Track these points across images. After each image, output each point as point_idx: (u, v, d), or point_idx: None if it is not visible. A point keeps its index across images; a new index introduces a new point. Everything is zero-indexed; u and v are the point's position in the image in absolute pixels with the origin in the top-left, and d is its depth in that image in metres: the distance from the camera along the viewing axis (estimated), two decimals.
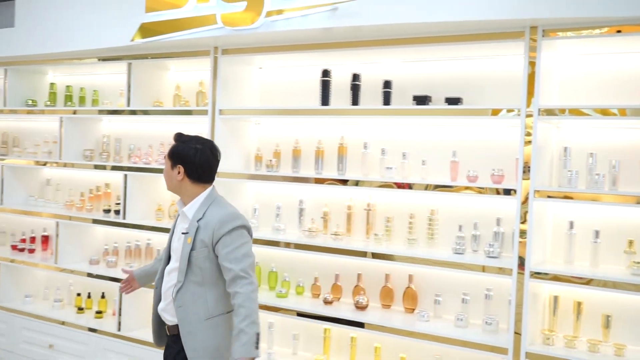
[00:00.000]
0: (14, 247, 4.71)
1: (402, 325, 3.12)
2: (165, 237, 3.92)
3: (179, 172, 2.63)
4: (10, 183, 4.74)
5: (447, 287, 3.31)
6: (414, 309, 3.35)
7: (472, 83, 3.26)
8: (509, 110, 2.87)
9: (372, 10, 2.92)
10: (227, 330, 2.60)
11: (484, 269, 2.95)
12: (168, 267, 2.67)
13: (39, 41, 4.31)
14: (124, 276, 3.17)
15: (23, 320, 4.44)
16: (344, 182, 3.31)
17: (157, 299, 2.70)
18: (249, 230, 2.63)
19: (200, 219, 2.58)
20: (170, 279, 2.63)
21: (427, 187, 3.09)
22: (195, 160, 2.63)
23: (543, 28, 2.76)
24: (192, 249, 2.56)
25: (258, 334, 2.49)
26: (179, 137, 2.72)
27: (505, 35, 2.86)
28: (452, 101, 3.11)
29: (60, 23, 4.19)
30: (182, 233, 2.61)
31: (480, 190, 2.95)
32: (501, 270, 2.88)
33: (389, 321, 3.18)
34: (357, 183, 3.28)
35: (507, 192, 2.89)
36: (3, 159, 4.73)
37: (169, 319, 2.64)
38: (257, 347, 2.47)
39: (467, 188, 3.00)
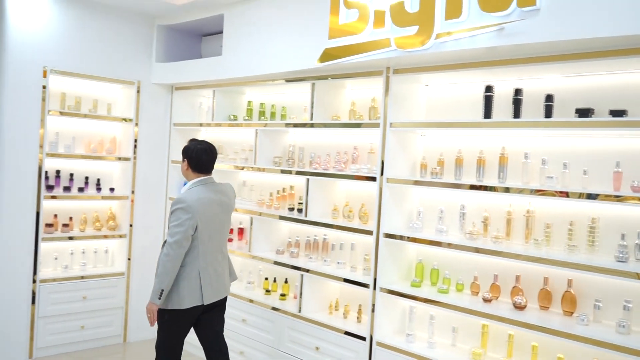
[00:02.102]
0: None
1: (560, 327, 3.01)
2: (339, 233, 4.16)
3: (184, 164, 3.55)
4: None
5: (607, 294, 3.13)
6: (572, 312, 3.21)
7: (637, 95, 3.05)
8: None
9: (536, 28, 2.85)
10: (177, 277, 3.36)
11: None
12: None
13: (240, 67, 4.73)
14: (305, 265, 3.83)
15: None
16: (505, 189, 3.27)
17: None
18: (185, 210, 3.32)
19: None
20: None
21: (588, 196, 2.95)
22: (192, 155, 3.52)
23: None
24: (170, 216, 3.38)
25: (162, 290, 3.30)
26: (190, 140, 3.64)
27: None
28: (617, 113, 2.94)
29: (256, 51, 4.58)
30: None
31: None
32: None
33: (547, 322, 3.08)
34: (517, 191, 3.22)
35: None
36: None
37: None
38: (159, 298, 3.31)
39: (635, 198, 2.81)
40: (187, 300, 3.40)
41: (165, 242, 3.39)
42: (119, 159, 5.44)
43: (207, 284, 3.46)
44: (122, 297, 5.40)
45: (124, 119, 5.43)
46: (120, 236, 5.44)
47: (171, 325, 3.48)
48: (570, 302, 3.21)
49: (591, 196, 2.94)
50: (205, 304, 3.46)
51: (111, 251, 5.52)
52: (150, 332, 5.58)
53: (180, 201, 3.36)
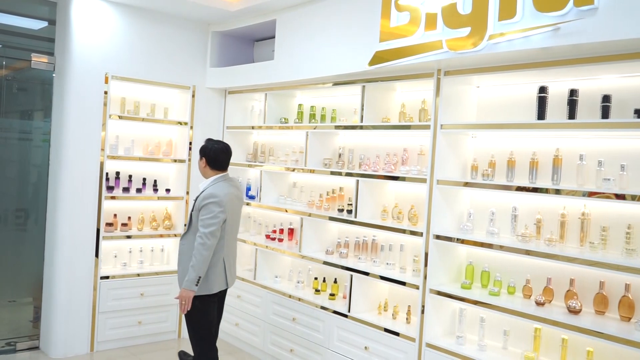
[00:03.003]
0: (267, 237, 5.24)
1: (617, 332, 2.91)
2: (388, 234, 4.15)
3: (202, 161, 3.80)
4: (266, 185, 5.28)
5: None
6: (630, 318, 3.10)
7: None
8: None
9: (594, 28, 2.78)
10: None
11: None
12: None
13: (291, 70, 4.79)
14: (354, 266, 4.15)
15: (273, 295, 4.97)
16: (558, 191, 3.19)
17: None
18: (218, 204, 3.57)
19: (202, 192, 3.68)
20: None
21: None
22: (210, 154, 3.77)
23: None
24: (192, 210, 3.71)
25: (200, 277, 3.53)
26: (207, 140, 3.88)
27: None
28: None
29: (307, 55, 4.63)
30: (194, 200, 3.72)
31: None
32: None
33: (603, 327, 2.99)
34: (571, 193, 3.13)
35: None
36: (262, 165, 5.32)
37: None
38: (196, 285, 3.52)
39: None
40: (216, 285, 3.71)
41: (185, 232, 3.77)
42: (175, 161, 5.59)
43: (229, 269, 3.81)
44: (177, 295, 5.53)
45: (180, 123, 5.58)
46: (176, 235, 5.58)
47: (203, 311, 3.70)
48: (627, 307, 3.11)
49: None
50: (229, 287, 3.85)
51: (167, 250, 5.67)
52: None
53: (213, 196, 3.61)
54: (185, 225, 3.99)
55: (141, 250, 5.49)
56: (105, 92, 5.03)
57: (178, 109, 5.72)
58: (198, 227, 3.60)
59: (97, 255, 5.04)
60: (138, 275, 5.29)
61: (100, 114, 5.01)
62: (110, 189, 5.20)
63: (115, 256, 5.34)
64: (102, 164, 5.04)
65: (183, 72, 5.53)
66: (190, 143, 5.59)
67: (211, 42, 5.66)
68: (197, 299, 3.61)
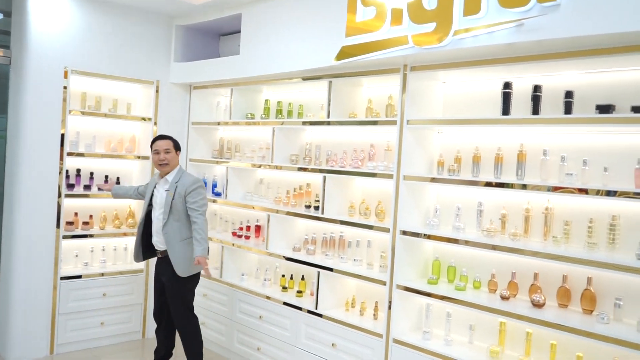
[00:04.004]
0: (234, 234, 5.17)
1: (580, 325, 2.95)
2: (356, 230, 4.13)
3: (178, 155, 4.24)
4: (232, 181, 5.20)
5: (628, 292, 3.07)
6: (592, 311, 3.14)
7: None
8: None
9: (557, 24, 2.79)
10: (192, 246, 4.01)
11: None
12: (155, 214, 4.15)
13: (257, 65, 4.72)
14: (322, 262, 4.20)
15: (240, 293, 4.90)
16: (522, 186, 3.22)
17: (147, 236, 4.25)
18: (203, 187, 4.13)
19: (177, 181, 4.08)
20: (158, 220, 4.10)
21: (608, 194, 2.89)
22: (179, 148, 4.29)
23: None
24: (172, 199, 4.02)
25: (208, 248, 4.01)
26: (170, 137, 4.26)
27: None
28: (638, 109, 2.87)
29: (274, 50, 4.57)
30: (166, 190, 4.08)
31: None
32: None
33: (566, 320, 3.02)
34: (535, 188, 3.16)
35: None
36: (228, 162, 5.24)
37: (160, 246, 4.15)
38: (207, 253, 3.97)
39: None
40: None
41: (165, 222, 4.05)
42: (138, 157, 5.46)
43: None
44: (141, 294, 5.42)
45: (143, 118, 5.45)
46: None
47: (193, 288, 4.27)
48: (589, 300, 3.15)
49: (611, 193, 2.88)
50: None
51: (130, 249, 5.53)
52: None
53: (199, 180, 4.14)
54: (161, 217, 4.12)
55: (103, 250, 5.34)
56: (65, 87, 4.87)
57: (141, 104, 5.58)
58: (187, 211, 4.03)
59: (57, 255, 4.88)
60: (102, 275, 5.16)
61: (59, 109, 4.85)
62: (70, 186, 5.04)
63: (77, 256, 5.19)
64: (61, 161, 4.88)
65: (146, 66, 5.40)
66: None
67: (175, 36, 5.55)
68: (195, 276, 4.18)
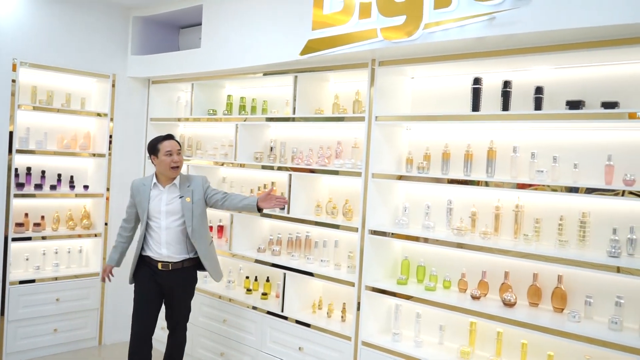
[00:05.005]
0: None
1: (550, 324, 2.92)
2: (323, 230, 4.03)
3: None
4: None
5: (599, 289, 3.06)
6: (563, 309, 3.12)
7: (630, 86, 2.98)
8: None
9: (528, 18, 2.75)
10: (213, 247, 3.92)
11: None
12: (167, 224, 3.68)
13: (219, 59, 4.57)
14: (287, 264, 4.11)
15: (202, 297, 4.73)
16: (493, 184, 3.17)
17: (156, 250, 3.71)
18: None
19: (189, 185, 3.75)
20: (172, 232, 3.69)
21: (579, 190, 2.86)
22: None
23: None
24: (192, 204, 3.70)
25: None
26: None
27: None
28: (609, 105, 2.86)
29: (236, 43, 4.42)
30: (180, 197, 3.70)
31: None
32: None
33: (537, 319, 2.99)
34: (506, 185, 3.12)
35: None
36: (189, 160, 5.04)
37: (177, 257, 3.72)
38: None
39: (627, 192, 2.72)
40: None
41: (192, 223, 3.71)
42: (94, 155, 5.22)
43: None
44: (97, 299, 5.18)
45: (99, 114, 5.21)
46: (95, 235, 5.22)
47: None
48: (560, 299, 3.13)
49: (580, 190, 2.85)
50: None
51: (85, 251, 5.30)
52: (126, 334, 5.37)
53: (205, 177, 3.89)
54: (178, 226, 3.74)
55: (57, 252, 5.09)
56: (14, 80, 4.60)
57: (97, 99, 5.34)
58: (212, 203, 3.79)
59: (5, 258, 4.60)
60: (55, 279, 4.91)
61: (7, 104, 4.58)
62: (20, 186, 4.77)
63: (27, 259, 4.92)
64: (10, 159, 4.60)
65: (102, 59, 5.16)
66: (111, 136, 5.23)
67: (132, 27, 5.32)
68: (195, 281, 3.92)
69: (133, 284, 3.86)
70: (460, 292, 3.51)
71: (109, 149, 5.23)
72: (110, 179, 5.24)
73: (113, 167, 5.26)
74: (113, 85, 5.23)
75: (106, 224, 5.23)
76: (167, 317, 3.94)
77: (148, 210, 3.71)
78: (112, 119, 5.23)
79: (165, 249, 3.70)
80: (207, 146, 5.14)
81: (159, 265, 3.72)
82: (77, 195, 5.13)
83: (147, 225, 3.74)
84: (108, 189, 5.23)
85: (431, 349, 3.51)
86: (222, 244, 4.80)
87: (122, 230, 3.94)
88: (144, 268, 3.78)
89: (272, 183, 4.54)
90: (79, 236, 5.16)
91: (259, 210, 3.68)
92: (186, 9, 4.93)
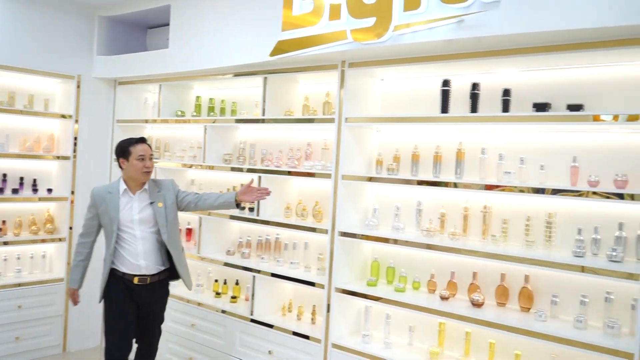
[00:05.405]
0: None
1: (518, 324, 2.94)
2: (293, 232, 3.98)
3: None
4: None
5: (564, 289, 3.09)
6: (529, 308, 3.15)
7: (594, 89, 3.02)
8: (633, 116, 2.62)
9: (496, 21, 2.77)
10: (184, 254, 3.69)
11: (607, 272, 2.70)
12: (142, 233, 3.41)
13: (187, 60, 4.49)
14: (257, 266, 3.96)
15: (170, 301, 4.58)
16: (461, 185, 3.18)
17: (132, 262, 3.41)
18: None
19: (159, 190, 3.52)
20: (148, 241, 3.44)
21: (545, 191, 2.89)
22: None
23: None
24: (166, 209, 3.48)
25: None
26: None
27: (632, 42, 2.61)
28: (574, 108, 2.90)
29: (205, 44, 4.35)
30: (150, 203, 3.46)
31: (606, 196, 2.71)
32: (629, 276, 2.62)
33: (505, 319, 3.01)
34: (474, 186, 3.13)
35: (632, 197, 2.64)
36: (156, 162, 4.92)
37: (154, 268, 3.47)
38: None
39: (591, 193, 2.76)
40: None
41: (167, 230, 3.49)
42: (58, 157, 5.07)
43: None
44: (61, 305, 5.02)
45: (63, 116, 5.06)
46: (60, 240, 5.07)
47: None
48: (527, 298, 3.16)
49: (547, 191, 2.88)
50: None
51: (49, 256, 5.14)
52: (92, 341, 5.24)
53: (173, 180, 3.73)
54: (152, 235, 3.49)
55: (19, 258, 4.92)
56: None
57: (61, 100, 5.19)
58: (184, 206, 3.60)
59: None
60: (18, 285, 4.74)
61: None
62: None
63: None
64: None
65: (66, 60, 5.02)
66: (76, 138, 5.09)
67: (98, 27, 5.19)
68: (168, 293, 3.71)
69: (103, 302, 3.53)
70: (429, 293, 3.52)
71: (74, 151, 5.09)
72: (75, 182, 5.10)
73: (78, 170, 5.11)
74: (78, 86, 5.09)
75: (71, 228, 5.08)
76: (140, 333, 3.63)
77: (119, 220, 3.41)
78: (77, 121, 5.09)
79: (143, 260, 3.42)
80: (175, 148, 5.04)
81: (135, 280, 3.42)
82: (40, 199, 4.97)
83: (118, 237, 3.42)
84: (73, 193, 5.09)
85: (401, 350, 3.50)
86: (190, 247, 4.71)
87: (81, 246, 3.53)
88: (117, 285, 3.44)
89: (242, 185, 4.47)
90: (43, 241, 5.00)
91: (237, 205, 3.56)
92: (153, 9, 4.83)
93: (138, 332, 3.61)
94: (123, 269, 3.42)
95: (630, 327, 2.81)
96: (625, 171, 2.83)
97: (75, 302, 3.63)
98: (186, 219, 4.88)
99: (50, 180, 5.22)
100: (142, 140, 3.54)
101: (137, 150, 3.46)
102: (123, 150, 3.48)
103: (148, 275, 3.45)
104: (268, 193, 3.53)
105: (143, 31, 5.58)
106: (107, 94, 5.31)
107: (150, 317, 3.62)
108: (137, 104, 5.42)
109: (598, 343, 2.69)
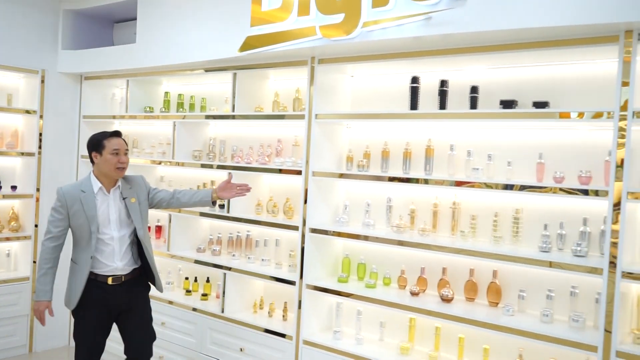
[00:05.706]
0: None
1: (486, 318, 2.97)
2: (263, 229, 3.95)
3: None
4: None
5: (531, 284, 3.13)
6: (498, 303, 3.18)
7: (559, 87, 3.06)
8: (598, 114, 2.66)
9: (464, 18, 2.78)
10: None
11: (571, 267, 2.74)
12: (119, 234, 3.20)
13: (155, 55, 4.40)
14: (228, 263, 3.87)
15: None
16: (431, 181, 3.19)
17: (106, 264, 3.16)
18: None
19: (130, 187, 3.29)
20: (125, 241, 3.23)
21: (512, 187, 2.91)
22: None
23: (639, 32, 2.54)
24: (140, 205, 3.28)
25: None
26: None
27: (597, 40, 2.64)
28: (540, 105, 2.93)
29: (173, 39, 4.27)
30: (124, 199, 3.22)
31: (571, 192, 2.75)
32: (593, 270, 2.67)
33: (473, 314, 3.03)
34: (443, 183, 3.14)
35: (596, 193, 2.68)
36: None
37: (129, 267, 3.25)
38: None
39: (557, 189, 2.79)
40: None
41: (142, 227, 3.30)
42: (22, 154, 4.92)
43: None
44: (27, 304, 4.89)
45: (27, 111, 4.92)
46: (25, 238, 4.93)
47: None
48: (495, 293, 3.19)
49: (514, 187, 2.90)
50: None
51: (14, 254, 4.99)
52: (58, 341, 5.13)
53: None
54: (126, 233, 3.26)
55: None
56: None
57: (25, 95, 5.04)
58: (157, 203, 3.42)
59: None
60: None
61: None
62: None
63: None
64: None
65: (29, 54, 4.87)
66: (40, 134, 4.95)
67: (63, 21, 5.05)
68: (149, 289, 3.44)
69: (72, 311, 3.20)
70: (400, 289, 3.53)
71: (39, 147, 4.95)
72: (41, 179, 4.96)
73: (43, 167, 4.98)
74: (42, 81, 4.95)
75: (36, 225, 4.95)
76: (132, 348, 3.31)
77: (97, 221, 3.14)
78: (41, 116, 4.94)
79: (120, 260, 3.18)
80: (144, 144, 4.95)
81: (109, 280, 3.16)
82: (4, 197, 4.83)
83: (97, 239, 3.16)
84: (38, 190, 4.95)
85: (372, 346, 3.50)
86: (160, 244, 4.64)
87: (50, 252, 3.13)
88: (92, 290, 3.15)
89: (212, 182, 4.42)
90: (7, 239, 4.85)
91: (214, 203, 3.46)
92: (120, 3, 4.71)
93: (128, 351, 3.33)
94: (96, 270, 3.16)
95: (594, 320, 2.85)
96: (589, 167, 2.86)
97: (44, 321, 3.17)
98: (155, 216, 4.80)
99: (14, 177, 5.07)
100: (117, 133, 3.24)
101: (112, 144, 3.17)
102: (96, 143, 3.19)
103: (122, 275, 3.21)
104: (248, 189, 3.40)
105: (109, 25, 5.45)
106: (72, 89, 5.18)
107: (136, 311, 3.30)
108: (104, 99, 5.29)
109: (563, 336, 2.73)
